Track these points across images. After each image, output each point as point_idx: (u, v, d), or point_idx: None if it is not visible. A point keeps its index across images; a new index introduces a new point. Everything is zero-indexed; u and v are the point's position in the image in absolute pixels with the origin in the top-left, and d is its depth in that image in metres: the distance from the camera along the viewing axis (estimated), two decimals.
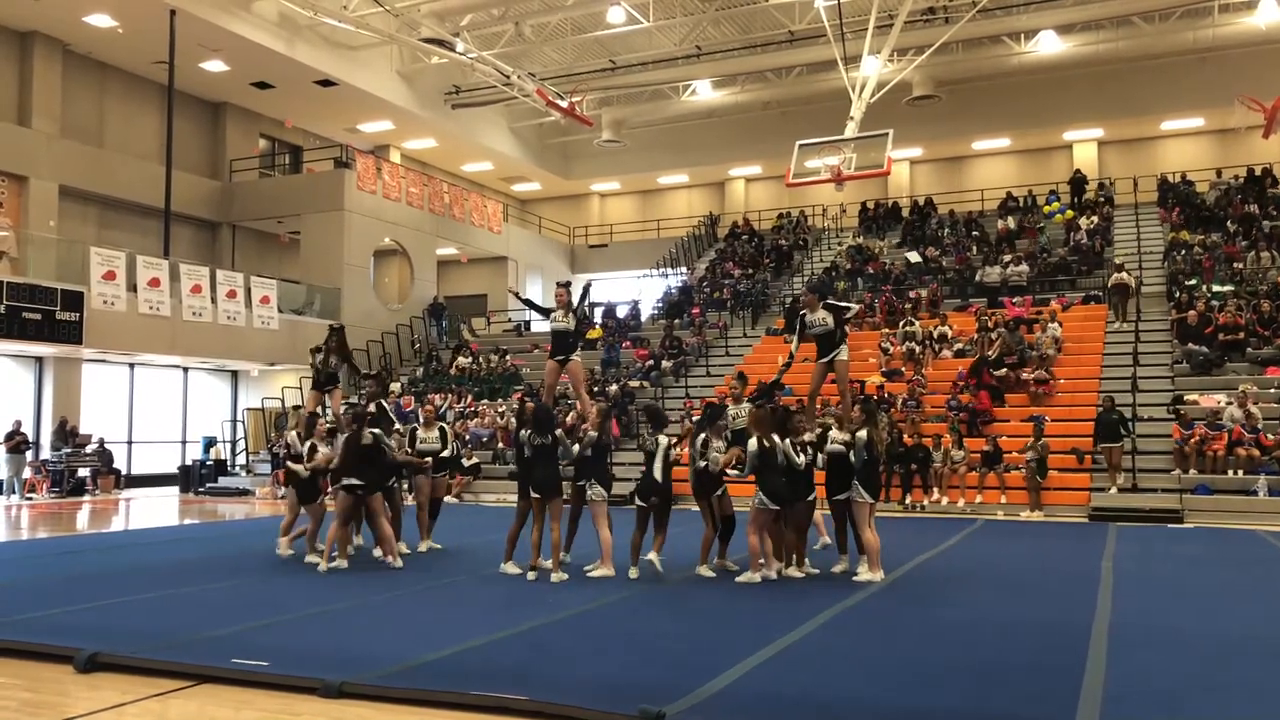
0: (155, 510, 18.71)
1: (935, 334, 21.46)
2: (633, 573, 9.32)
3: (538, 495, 9.26)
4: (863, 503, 9.18)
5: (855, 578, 9.23)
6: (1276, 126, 22.58)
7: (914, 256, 26.36)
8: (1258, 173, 26.46)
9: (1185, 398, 17.90)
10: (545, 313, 11.00)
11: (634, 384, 22.22)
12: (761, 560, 9.25)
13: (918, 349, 21.01)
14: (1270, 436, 16.14)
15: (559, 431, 9.43)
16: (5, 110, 22.86)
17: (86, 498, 20.69)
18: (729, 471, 9.51)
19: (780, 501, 9.11)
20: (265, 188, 28.71)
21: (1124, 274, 21.71)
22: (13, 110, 22.98)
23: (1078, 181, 28.94)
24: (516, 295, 13.23)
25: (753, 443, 9.10)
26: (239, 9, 23.23)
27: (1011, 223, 27.38)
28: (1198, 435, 16.27)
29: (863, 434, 9.16)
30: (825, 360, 10.28)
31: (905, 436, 17.37)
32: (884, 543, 9.58)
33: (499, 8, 25.84)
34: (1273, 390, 17.74)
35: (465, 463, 19.63)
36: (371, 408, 11.00)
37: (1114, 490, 16.13)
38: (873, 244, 28.53)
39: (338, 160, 28.33)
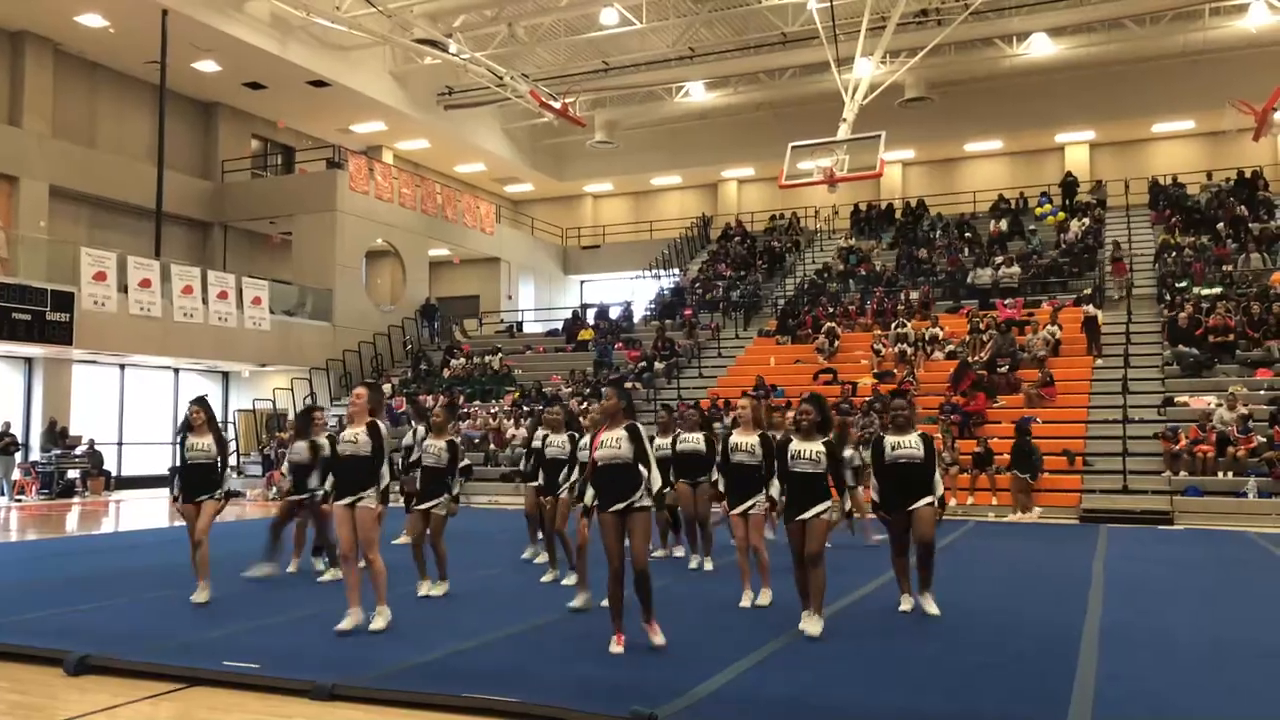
0: (145, 512, 18.61)
1: (927, 335, 21.51)
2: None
3: None
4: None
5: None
6: (1267, 129, 22.64)
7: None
8: (1248, 175, 26.60)
9: (1175, 399, 17.98)
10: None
11: (626, 385, 22.20)
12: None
13: (909, 350, 21.05)
14: (1261, 438, 16.21)
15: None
16: None
17: (76, 499, 20.60)
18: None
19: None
20: (257, 188, 28.62)
21: (1089, 307, 21.10)
22: (4, 110, 22.87)
23: (1069, 184, 29.04)
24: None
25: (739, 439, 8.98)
26: (231, 9, 23.16)
27: (1003, 225, 27.46)
28: (1184, 440, 16.29)
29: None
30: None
31: None
32: (875, 543, 9.62)
33: (492, 9, 25.82)
34: (1262, 392, 17.82)
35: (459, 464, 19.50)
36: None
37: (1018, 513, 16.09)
38: (865, 245, 28.59)
39: (330, 161, 28.23)
